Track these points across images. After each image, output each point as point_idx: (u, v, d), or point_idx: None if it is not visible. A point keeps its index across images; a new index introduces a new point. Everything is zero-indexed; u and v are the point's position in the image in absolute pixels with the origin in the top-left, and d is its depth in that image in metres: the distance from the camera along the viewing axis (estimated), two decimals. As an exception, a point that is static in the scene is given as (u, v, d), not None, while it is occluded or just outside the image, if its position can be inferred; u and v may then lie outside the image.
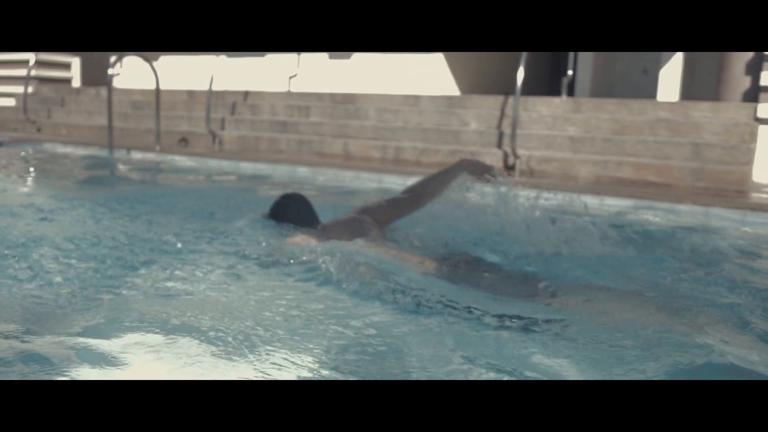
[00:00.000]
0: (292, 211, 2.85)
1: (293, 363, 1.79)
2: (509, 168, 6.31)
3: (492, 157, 6.47)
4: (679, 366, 1.81)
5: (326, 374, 1.75)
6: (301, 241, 2.71)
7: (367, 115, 7.80)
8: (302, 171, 6.13)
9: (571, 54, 8.34)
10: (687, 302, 2.50)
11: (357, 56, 9.49)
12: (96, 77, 12.14)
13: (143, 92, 10.01)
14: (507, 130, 6.80)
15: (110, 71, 7.01)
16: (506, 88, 10.15)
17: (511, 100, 7.27)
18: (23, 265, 2.74)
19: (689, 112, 6.31)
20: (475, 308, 2.18)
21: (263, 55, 9.91)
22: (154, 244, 3.07)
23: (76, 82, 11.85)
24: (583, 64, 9.86)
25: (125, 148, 7.41)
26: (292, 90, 9.30)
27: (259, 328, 2.01)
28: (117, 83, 11.13)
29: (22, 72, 11.09)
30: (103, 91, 10.43)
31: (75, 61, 11.85)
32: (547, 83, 12.08)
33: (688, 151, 5.87)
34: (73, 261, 2.81)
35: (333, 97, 8.31)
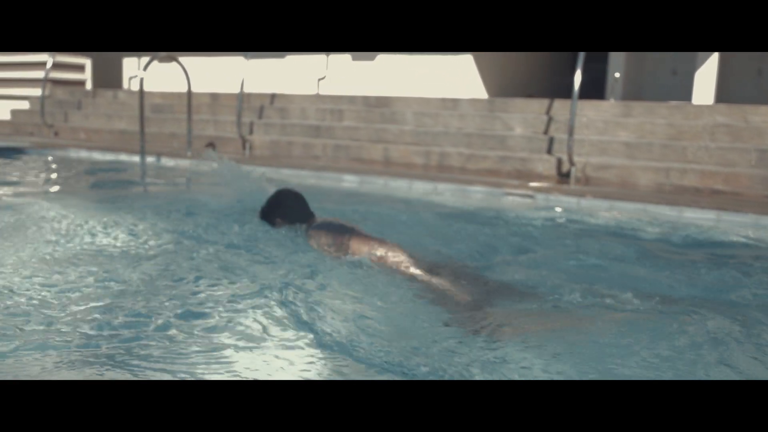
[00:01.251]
0: (290, 201, 3.03)
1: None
2: (563, 175, 6.05)
3: (544, 164, 6.21)
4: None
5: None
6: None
7: (404, 119, 7.52)
8: (350, 180, 5.85)
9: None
10: None
11: (381, 58, 9.19)
12: (107, 79, 11.82)
13: (163, 95, 9.71)
14: (557, 135, 6.55)
15: (141, 73, 6.71)
16: (529, 90, 9.91)
17: (556, 103, 7.02)
18: (60, 284, 2.49)
19: (748, 116, 6.07)
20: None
21: (288, 57, 9.61)
22: (195, 262, 2.82)
23: (88, 84, 11.52)
24: (615, 65, 9.62)
25: (155, 154, 7.11)
26: (321, 93, 9.00)
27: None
28: (135, 85, 10.84)
29: (34, 74, 10.78)
30: (121, 94, 10.13)
31: (86, 63, 11.51)
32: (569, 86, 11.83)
33: (754, 157, 5.62)
34: (111, 279, 2.58)
35: (366, 100, 8.04)
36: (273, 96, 8.66)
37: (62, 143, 8.22)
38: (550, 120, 6.79)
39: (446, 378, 1.80)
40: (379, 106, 7.91)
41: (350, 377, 1.81)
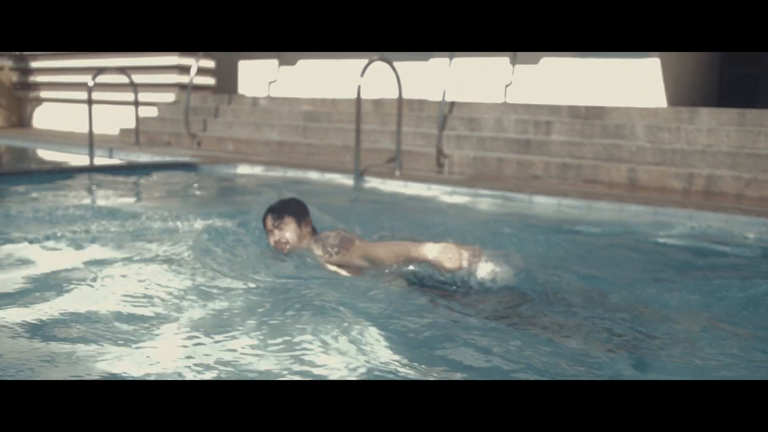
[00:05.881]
0: (292, 207, 2.91)
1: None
2: None
3: None
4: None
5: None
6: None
7: (633, 133, 6.45)
8: (642, 211, 4.79)
9: None
10: None
11: (563, 61, 8.06)
12: (226, 84, 10.93)
13: (313, 101, 8.77)
14: None
15: (359, 79, 5.73)
16: (692, 98, 8.77)
17: (832, 117, 5.91)
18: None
19: None
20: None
21: (466, 59, 8.57)
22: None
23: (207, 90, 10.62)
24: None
25: (349, 172, 6.13)
26: (508, 101, 7.92)
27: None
28: (275, 91, 9.91)
29: (161, 78, 9.94)
30: (262, 100, 9.21)
31: (212, 67, 10.62)
32: (718, 92, 10.66)
33: None
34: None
35: (572, 110, 6.98)
36: (452, 104, 7.65)
37: (230, 157, 7.30)
38: (836, 137, 5.67)
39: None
40: (591, 117, 6.85)
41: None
